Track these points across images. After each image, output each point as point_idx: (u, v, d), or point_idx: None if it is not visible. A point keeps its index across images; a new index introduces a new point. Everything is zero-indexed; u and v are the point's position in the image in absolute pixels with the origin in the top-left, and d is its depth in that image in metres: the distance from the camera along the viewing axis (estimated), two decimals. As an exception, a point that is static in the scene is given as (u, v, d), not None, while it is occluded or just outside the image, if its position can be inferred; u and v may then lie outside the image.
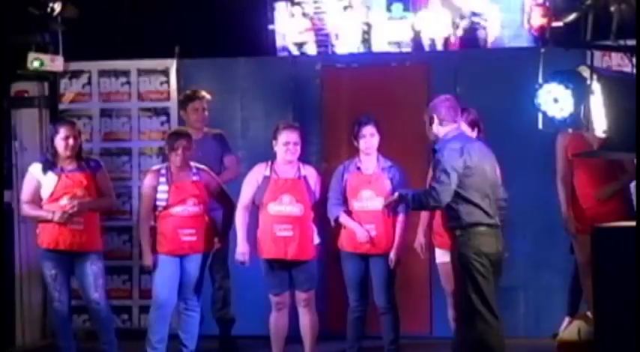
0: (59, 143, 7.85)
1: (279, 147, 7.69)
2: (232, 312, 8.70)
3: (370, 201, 7.74)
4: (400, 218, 7.72)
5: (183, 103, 8.76)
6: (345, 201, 7.82)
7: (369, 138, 7.77)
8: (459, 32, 9.31)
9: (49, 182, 7.83)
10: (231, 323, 8.70)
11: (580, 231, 7.87)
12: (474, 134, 7.43)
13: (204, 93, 8.72)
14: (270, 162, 7.76)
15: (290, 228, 7.61)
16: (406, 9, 9.33)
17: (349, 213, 7.81)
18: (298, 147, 7.73)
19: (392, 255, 7.70)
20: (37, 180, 7.87)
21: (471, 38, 9.31)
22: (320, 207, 7.87)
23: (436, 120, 6.90)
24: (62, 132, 7.87)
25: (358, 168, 7.84)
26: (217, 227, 7.99)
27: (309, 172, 7.83)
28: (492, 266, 6.68)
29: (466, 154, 6.72)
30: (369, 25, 9.38)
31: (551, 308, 8.69)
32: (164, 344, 7.88)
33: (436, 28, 9.26)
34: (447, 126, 6.87)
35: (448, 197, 6.64)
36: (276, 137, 7.69)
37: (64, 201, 7.80)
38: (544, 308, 8.76)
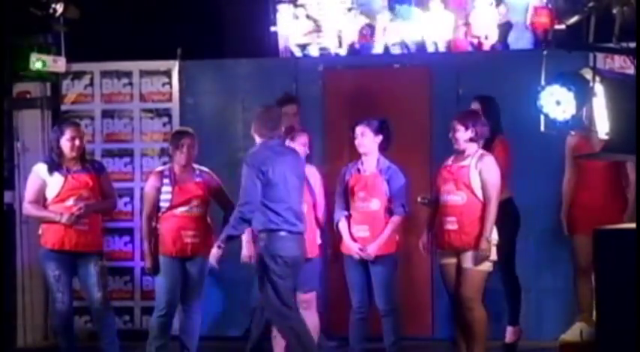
0: (65, 144, 7.86)
1: (296, 148, 7.71)
2: None
3: (365, 202, 7.77)
4: (393, 218, 7.75)
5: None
6: (348, 202, 7.86)
7: (360, 138, 7.83)
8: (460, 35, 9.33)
9: (55, 183, 7.84)
10: None
11: (579, 233, 7.90)
12: (468, 134, 7.47)
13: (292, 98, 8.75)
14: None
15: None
16: (409, 11, 9.33)
17: (350, 215, 7.84)
18: None
19: (369, 249, 7.70)
20: (43, 180, 7.87)
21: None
22: (321, 208, 7.89)
23: (259, 131, 7.25)
24: (68, 133, 7.89)
25: (358, 170, 7.88)
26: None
27: (310, 171, 7.85)
28: (289, 268, 7.09)
29: (268, 166, 7.05)
30: (371, 26, 9.38)
31: (553, 310, 8.70)
32: (166, 349, 7.89)
33: (438, 30, 9.26)
34: (264, 137, 7.20)
35: (253, 206, 7.03)
36: (294, 138, 7.76)
37: (70, 202, 7.81)
38: (546, 310, 8.76)
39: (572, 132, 7.79)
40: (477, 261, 7.36)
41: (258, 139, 7.28)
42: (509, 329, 8.37)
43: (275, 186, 7.09)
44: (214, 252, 7.22)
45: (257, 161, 7.11)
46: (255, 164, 7.09)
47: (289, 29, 9.53)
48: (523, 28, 9.23)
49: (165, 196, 7.81)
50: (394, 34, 9.35)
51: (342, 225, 7.86)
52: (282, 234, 7.10)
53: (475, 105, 8.20)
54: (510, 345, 8.38)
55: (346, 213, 7.86)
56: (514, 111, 8.37)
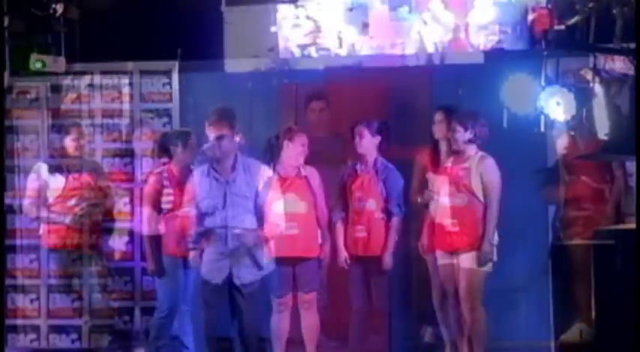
0: (69, 144, 7.89)
1: (294, 149, 7.76)
2: None
3: (362, 202, 7.79)
4: (393, 221, 7.76)
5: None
6: (346, 203, 7.87)
7: (359, 139, 7.91)
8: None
9: (56, 183, 7.85)
10: None
11: (575, 234, 7.92)
12: (467, 135, 7.47)
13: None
14: (272, 164, 7.79)
15: (295, 226, 7.66)
16: (409, 11, 9.34)
17: (347, 216, 7.86)
18: None
19: (385, 260, 7.73)
20: (44, 180, 7.90)
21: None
22: (321, 208, 7.90)
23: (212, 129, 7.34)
24: (72, 133, 7.92)
25: (355, 170, 7.91)
26: None
27: (311, 172, 7.87)
28: None
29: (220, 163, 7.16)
30: (371, 27, 9.40)
31: (551, 310, 8.70)
32: (167, 349, 7.90)
33: (439, 30, 9.27)
34: (217, 134, 7.28)
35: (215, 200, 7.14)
36: (293, 139, 7.77)
37: (72, 202, 7.83)
38: (544, 310, 8.76)
39: (572, 132, 7.80)
40: (479, 262, 7.37)
41: (211, 136, 7.32)
42: None
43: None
44: (191, 255, 7.25)
45: (208, 158, 7.17)
46: (206, 161, 7.16)
47: (289, 30, 9.54)
48: (522, 29, 9.24)
49: (168, 198, 7.83)
50: (394, 34, 9.36)
51: (338, 228, 7.88)
52: (237, 231, 7.13)
53: (439, 116, 8.15)
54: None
55: (343, 214, 7.88)
56: (514, 112, 8.36)
